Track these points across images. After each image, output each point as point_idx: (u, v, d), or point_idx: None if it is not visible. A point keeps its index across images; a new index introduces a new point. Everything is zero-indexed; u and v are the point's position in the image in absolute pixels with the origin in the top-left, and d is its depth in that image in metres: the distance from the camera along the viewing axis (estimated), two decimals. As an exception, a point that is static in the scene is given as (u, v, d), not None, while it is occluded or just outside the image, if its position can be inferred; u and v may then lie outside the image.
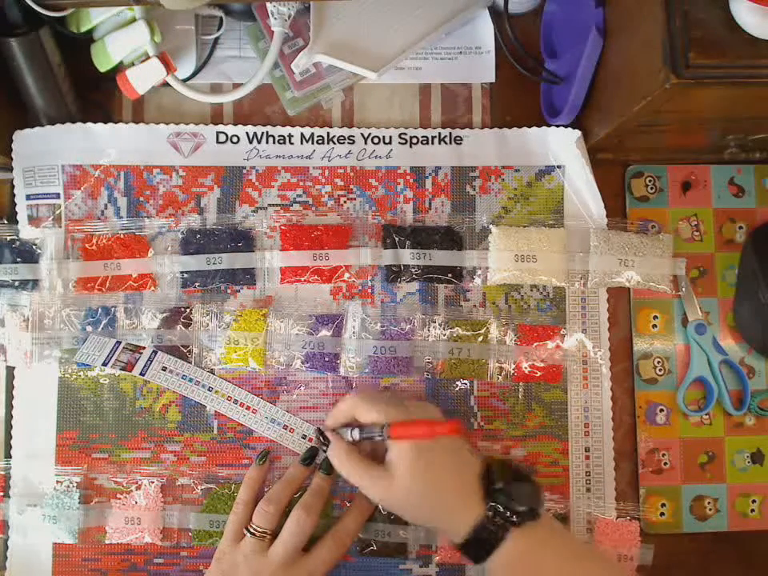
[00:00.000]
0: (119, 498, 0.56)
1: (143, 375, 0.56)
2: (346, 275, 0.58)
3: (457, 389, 0.58)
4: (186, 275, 0.58)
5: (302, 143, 0.59)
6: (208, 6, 0.56)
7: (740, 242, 0.61)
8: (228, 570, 0.51)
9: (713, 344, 0.59)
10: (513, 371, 0.58)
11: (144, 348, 0.57)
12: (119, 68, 0.56)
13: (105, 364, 0.55)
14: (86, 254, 0.58)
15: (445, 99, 0.61)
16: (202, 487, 0.57)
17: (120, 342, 0.57)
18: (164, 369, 0.56)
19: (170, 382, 0.56)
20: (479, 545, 0.46)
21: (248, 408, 0.57)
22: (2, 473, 0.56)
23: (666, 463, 0.58)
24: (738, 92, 0.45)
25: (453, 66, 0.61)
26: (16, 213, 0.58)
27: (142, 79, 0.55)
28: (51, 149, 0.58)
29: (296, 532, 0.51)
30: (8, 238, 0.58)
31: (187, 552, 0.56)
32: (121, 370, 0.55)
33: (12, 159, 0.58)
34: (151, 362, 0.56)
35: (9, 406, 0.57)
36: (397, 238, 0.58)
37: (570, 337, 0.58)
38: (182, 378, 0.57)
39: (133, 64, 0.56)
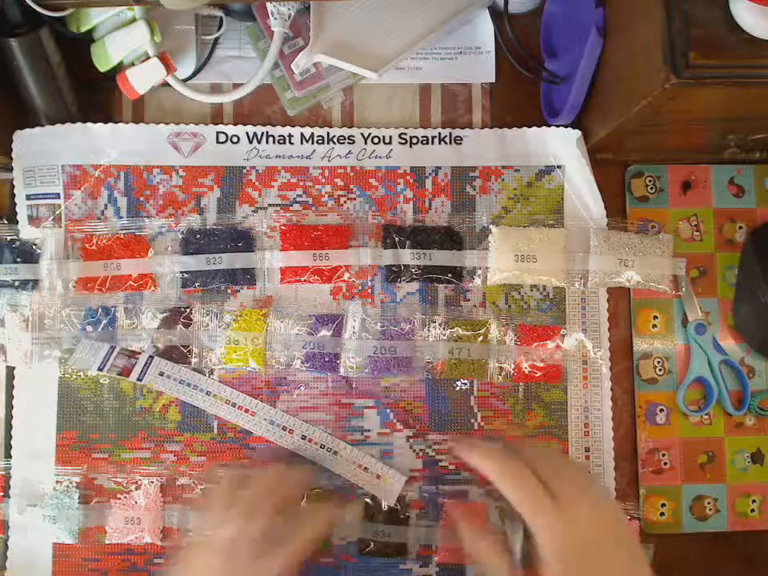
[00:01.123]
0: (119, 498, 0.56)
1: (140, 381, 0.56)
2: (346, 275, 0.58)
3: (457, 389, 0.58)
4: (186, 275, 0.58)
5: (302, 143, 0.59)
6: (208, 5, 0.56)
7: (740, 242, 0.60)
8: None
9: (713, 344, 0.59)
10: (513, 371, 0.58)
11: (140, 353, 0.57)
12: (119, 68, 0.56)
13: (100, 369, 0.55)
14: (85, 253, 0.58)
15: (445, 99, 0.61)
16: (202, 487, 0.57)
17: (114, 347, 0.56)
18: (161, 374, 0.56)
19: (167, 387, 0.56)
20: None
21: (246, 411, 0.57)
22: (2, 473, 0.56)
23: (665, 463, 0.58)
24: (738, 92, 0.45)
25: (453, 66, 0.61)
26: (16, 213, 0.58)
27: (142, 79, 0.55)
28: (51, 149, 0.58)
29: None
30: (8, 238, 0.58)
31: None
32: (117, 375, 0.55)
33: (12, 159, 0.58)
34: (148, 367, 0.56)
35: (9, 406, 0.57)
36: (397, 238, 0.58)
37: (570, 337, 0.58)
38: (180, 382, 0.57)
39: (133, 64, 0.56)
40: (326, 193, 0.59)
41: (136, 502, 0.56)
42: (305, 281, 0.58)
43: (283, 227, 0.58)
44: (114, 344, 0.57)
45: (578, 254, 0.59)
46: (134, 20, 0.54)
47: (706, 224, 0.61)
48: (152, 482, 0.56)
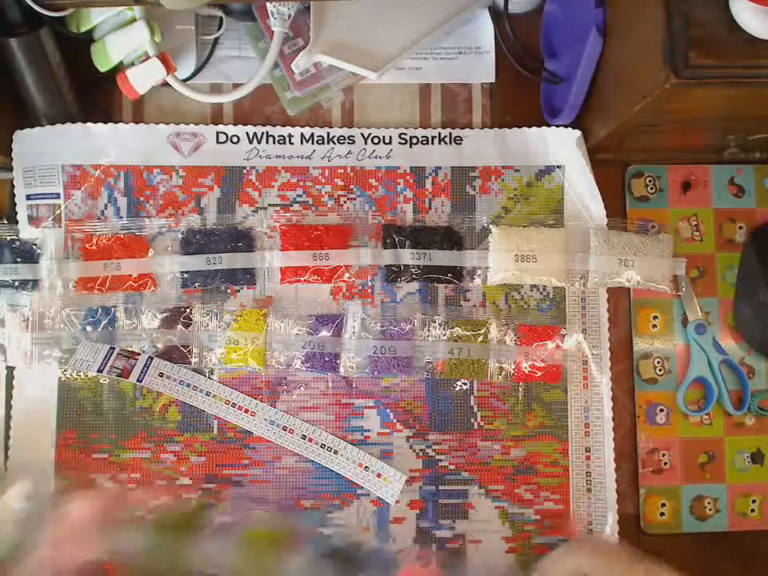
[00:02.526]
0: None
1: (140, 382, 0.56)
2: (346, 275, 0.58)
3: (457, 389, 0.58)
4: (186, 275, 0.58)
5: (302, 143, 0.59)
6: (208, 5, 0.56)
7: (740, 242, 0.61)
8: None
9: (713, 344, 0.59)
10: (513, 371, 0.58)
11: (139, 354, 0.57)
12: (119, 68, 0.56)
13: (100, 371, 0.55)
14: (86, 253, 0.58)
15: (445, 99, 0.61)
16: (202, 487, 0.56)
17: (114, 348, 0.56)
18: (161, 375, 0.56)
19: (167, 388, 0.56)
20: None
21: (246, 411, 0.57)
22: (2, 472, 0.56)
23: (666, 463, 0.58)
24: (738, 92, 0.45)
25: (453, 66, 0.61)
26: (16, 213, 0.58)
27: (142, 79, 0.55)
28: (51, 149, 0.58)
29: None
30: (8, 238, 0.58)
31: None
32: (117, 376, 0.55)
33: (12, 159, 0.58)
34: (147, 368, 0.56)
35: (9, 406, 0.57)
36: (397, 238, 0.58)
37: (570, 337, 0.58)
38: (179, 383, 0.57)
39: (133, 64, 0.56)
40: (326, 193, 0.59)
41: None
42: (305, 281, 0.58)
43: (283, 227, 0.58)
44: (114, 344, 0.57)
45: (577, 254, 0.59)
46: (133, 20, 0.54)
47: (706, 224, 0.61)
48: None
